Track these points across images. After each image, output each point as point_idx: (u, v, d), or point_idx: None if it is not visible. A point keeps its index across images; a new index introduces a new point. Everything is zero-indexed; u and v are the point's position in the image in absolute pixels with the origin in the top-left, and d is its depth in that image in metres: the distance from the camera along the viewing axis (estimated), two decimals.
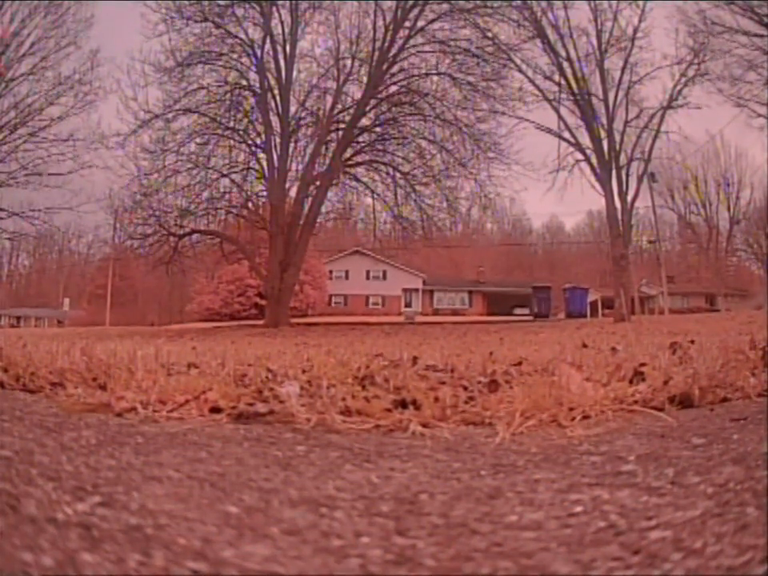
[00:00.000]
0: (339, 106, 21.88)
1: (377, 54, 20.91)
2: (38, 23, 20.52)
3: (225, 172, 21.57)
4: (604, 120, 20.47)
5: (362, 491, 1.08)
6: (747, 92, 20.44)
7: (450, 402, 1.83)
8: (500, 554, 0.78)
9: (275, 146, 21.14)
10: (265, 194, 22.04)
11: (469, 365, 2.73)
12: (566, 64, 20.49)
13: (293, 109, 21.78)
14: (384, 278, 45.00)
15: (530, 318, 32.01)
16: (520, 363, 2.81)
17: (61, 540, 0.78)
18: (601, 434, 1.57)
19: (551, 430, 1.64)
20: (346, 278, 45.00)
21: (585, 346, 4.35)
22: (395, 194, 22.40)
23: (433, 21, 20.87)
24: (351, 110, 21.62)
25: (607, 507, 0.95)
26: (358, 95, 21.64)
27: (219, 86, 21.11)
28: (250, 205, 22.52)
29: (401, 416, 1.71)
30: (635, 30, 20.36)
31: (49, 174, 20.65)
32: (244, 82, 21.50)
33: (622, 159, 20.79)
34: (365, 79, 21.37)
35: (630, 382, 2.13)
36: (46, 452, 1.30)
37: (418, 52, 21.66)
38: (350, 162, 22.50)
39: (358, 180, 23.13)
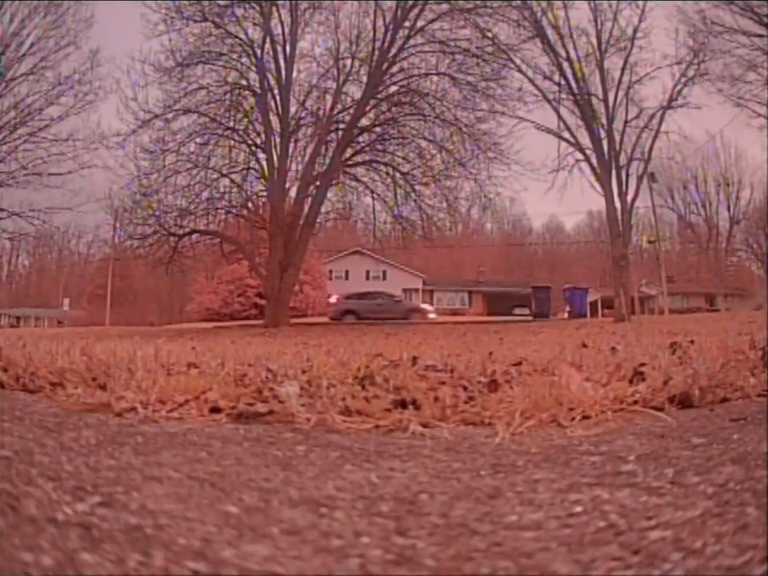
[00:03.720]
0: (339, 106, 21.85)
1: (377, 53, 20.88)
2: (38, 23, 20.52)
3: (225, 172, 21.53)
4: (604, 120, 20.46)
5: (361, 491, 1.08)
6: (747, 92, 20.44)
7: (449, 402, 1.83)
8: (500, 553, 0.78)
9: (275, 145, 21.10)
10: (265, 193, 22.03)
11: (469, 365, 2.73)
12: (565, 64, 20.49)
13: (293, 109, 21.75)
14: (384, 278, 44.96)
15: (530, 318, 32.00)
16: (520, 363, 2.80)
17: (61, 540, 0.78)
18: (601, 434, 1.57)
19: (551, 430, 1.64)
20: (346, 278, 44.96)
21: (585, 345, 4.34)
22: (395, 194, 22.40)
23: (433, 21, 20.84)
24: (351, 110, 21.60)
25: (607, 507, 0.95)
26: (358, 95, 21.63)
27: (219, 86, 21.07)
28: (249, 205, 22.49)
29: (401, 416, 1.71)
30: (635, 30, 20.34)
31: (49, 174, 20.63)
32: (244, 82, 21.47)
33: (622, 159, 20.78)
34: (365, 79, 21.36)
35: (630, 382, 2.13)
36: (46, 452, 1.30)
37: (418, 52, 21.63)
38: (349, 162, 22.49)
39: (357, 180, 23.11)
